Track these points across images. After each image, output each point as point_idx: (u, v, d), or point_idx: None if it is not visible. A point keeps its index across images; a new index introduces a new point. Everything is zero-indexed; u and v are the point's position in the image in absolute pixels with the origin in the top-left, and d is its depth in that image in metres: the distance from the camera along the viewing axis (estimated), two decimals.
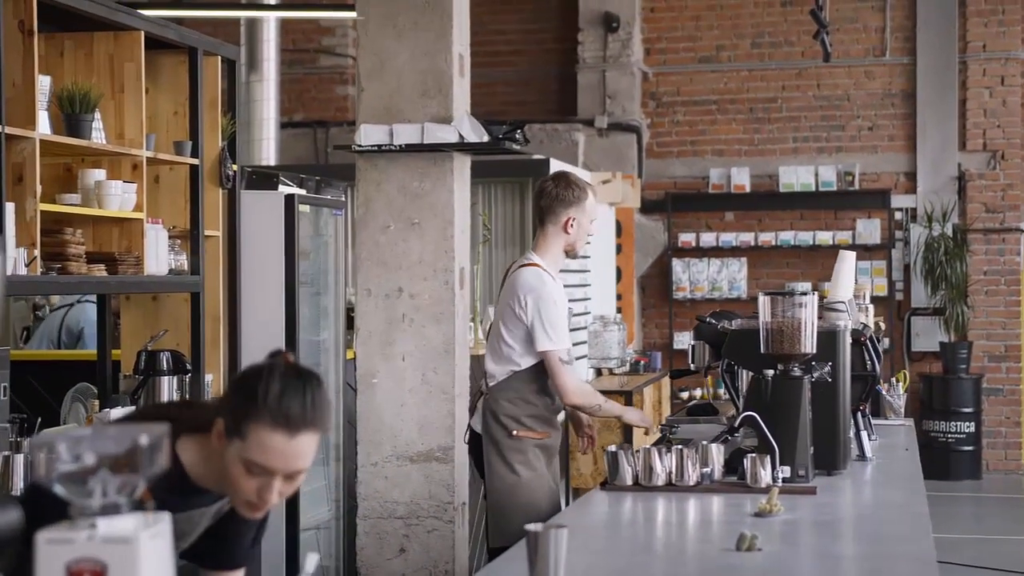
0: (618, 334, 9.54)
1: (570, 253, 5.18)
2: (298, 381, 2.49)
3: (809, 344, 4.42)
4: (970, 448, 12.18)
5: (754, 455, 4.23)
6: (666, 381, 11.16)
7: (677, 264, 12.88)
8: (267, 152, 10.49)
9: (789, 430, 4.34)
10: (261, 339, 5.98)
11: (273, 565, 6.03)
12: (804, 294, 4.46)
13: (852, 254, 5.66)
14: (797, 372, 4.43)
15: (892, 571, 3.21)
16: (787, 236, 12.69)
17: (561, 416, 5.67)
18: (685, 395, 11.98)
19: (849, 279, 5.53)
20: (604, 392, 8.65)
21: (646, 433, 5.64)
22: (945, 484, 11.95)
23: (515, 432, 5.02)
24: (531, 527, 2.74)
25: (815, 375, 4.52)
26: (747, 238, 12.77)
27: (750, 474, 4.21)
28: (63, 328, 7.61)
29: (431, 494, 5.73)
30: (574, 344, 9.23)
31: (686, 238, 12.89)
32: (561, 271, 5.28)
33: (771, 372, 4.42)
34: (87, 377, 5.77)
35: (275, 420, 2.44)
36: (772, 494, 3.85)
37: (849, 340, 4.74)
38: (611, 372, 10.03)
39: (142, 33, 5.07)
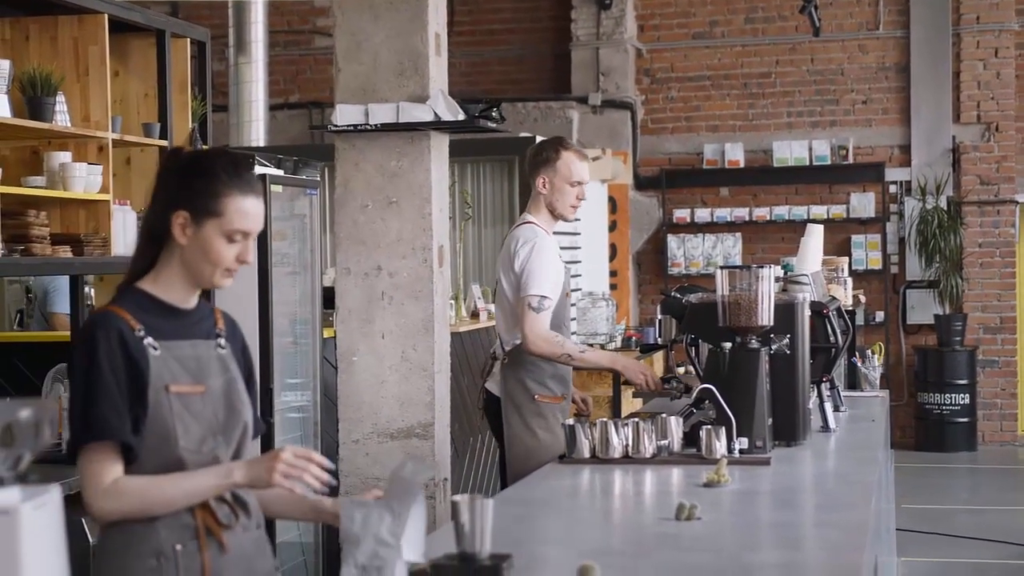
0: (606, 310, 9.57)
1: (554, 214, 5.25)
2: (233, 157, 2.87)
3: (766, 316, 4.44)
4: (965, 420, 12.20)
5: (709, 427, 4.27)
6: (659, 356, 11.19)
7: (672, 240, 12.91)
8: (256, 133, 10.52)
9: (747, 402, 4.37)
10: (235, 317, 6.02)
11: None
12: (761, 267, 4.49)
13: (819, 228, 5.69)
14: (754, 344, 4.46)
15: (820, 537, 3.25)
16: (782, 211, 12.70)
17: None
18: (681, 370, 12.00)
19: (816, 252, 5.57)
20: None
21: (649, 390, 5.32)
22: (940, 456, 12.00)
23: (537, 396, 5.10)
24: (456, 498, 2.77)
25: (773, 347, 4.55)
26: (742, 213, 12.79)
27: (705, 446, 4.24)
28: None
29: None
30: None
31: (681, 214, 12.91)
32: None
33: (728, 345, 4.45)
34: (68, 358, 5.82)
35: (245, 191, 2.81)
36: (720, 465, 3.89)
37: (808, 312, 4.76)
38: (603, 348, 10.07)
39: (105, 16, 5.10)
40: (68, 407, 2.83)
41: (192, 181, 2.83)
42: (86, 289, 5.96)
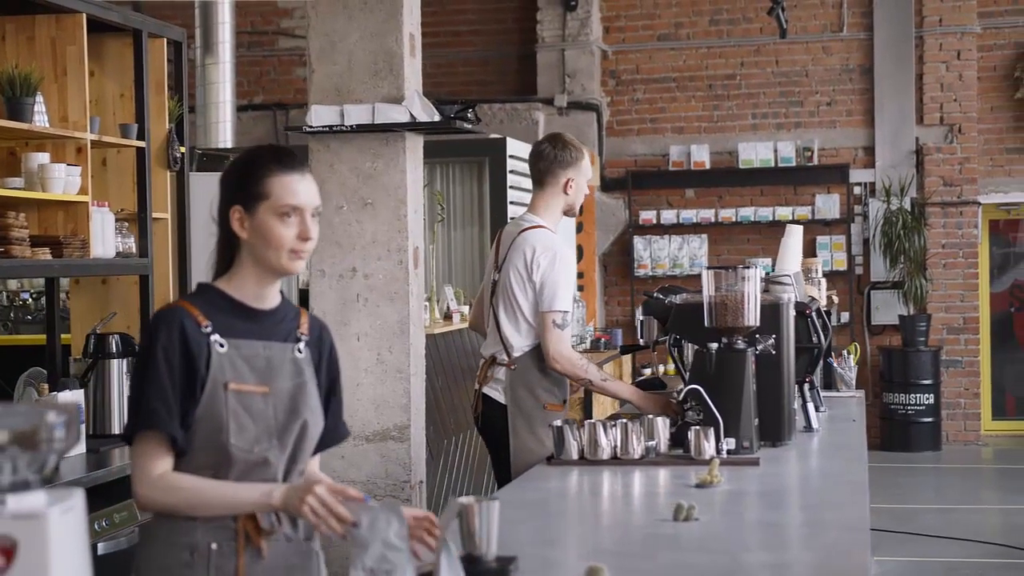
0: (576, 312, 9.57)
1: (569, 214, 5.10)
2: (276, 146, 2.96)
3: (752, 317, 4.45)
4: (930, 420, 12.29)
5: (698, 428, 4.27)
6: (627, 358, 11.22)
7: (638, 241, 12.92)
8: (223, 134, 10.45)
9: (733, 402, 4.38)
10: None
11: None
12: (747, 268, 4.50)
13: (799, 228, 5.70)
14: (741, 345, 4.46)
15: (822, 537, 3.25)
16: (747, 212, 12.74)
17: None
18: (648, 371, 12.03)
19: (796, 253, 5.58)
20: None
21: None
22: (905, 455, 12.07)
23: (547, 405, 4.97)
24: (463, 500, 2.76)
25: (759, 348, 4.55)
26: (707, 215, 12.83)
27: (694, 446, 4.24)
28: None
29: (388, 473, 5.74)
30: None
31: (647, 215, 12.93)
32: None
33: (715, 345, 4.45)
34: (42, 361, 5.76)
35: (286, 169, 2.88)
36: (713, 465, 3.89)
37: (793, 313, 4.78)
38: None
39: (84, 16, 5.04)
40: (128, 394, 2.97)
41: (239, 176, 2.91)
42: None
